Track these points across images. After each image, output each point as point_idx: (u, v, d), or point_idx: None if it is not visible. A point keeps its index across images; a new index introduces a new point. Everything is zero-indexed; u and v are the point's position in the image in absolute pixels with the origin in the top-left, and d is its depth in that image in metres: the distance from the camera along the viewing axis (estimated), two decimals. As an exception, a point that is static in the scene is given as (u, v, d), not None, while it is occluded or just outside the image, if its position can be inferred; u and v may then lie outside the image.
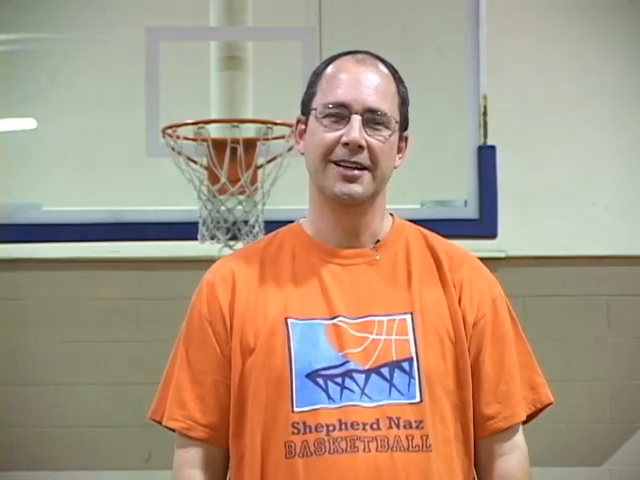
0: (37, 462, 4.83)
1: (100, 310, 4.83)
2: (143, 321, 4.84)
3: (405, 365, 1.78)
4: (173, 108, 4.15)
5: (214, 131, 3.96)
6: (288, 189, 3.72)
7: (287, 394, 1.77)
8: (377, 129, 1.81)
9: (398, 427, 1.75)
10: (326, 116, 1.82)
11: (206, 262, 2.05)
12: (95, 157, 4.72)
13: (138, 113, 4.10)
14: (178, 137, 3.90)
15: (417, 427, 1.76)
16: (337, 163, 1.81)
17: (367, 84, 1.81)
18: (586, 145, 4.92)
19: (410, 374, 1.78)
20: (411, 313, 1.81)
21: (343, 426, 1.75)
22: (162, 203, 4.43)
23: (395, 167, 1.87)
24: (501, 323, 1.87)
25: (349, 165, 1.80)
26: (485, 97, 4.18)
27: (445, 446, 1.79)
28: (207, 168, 3.94)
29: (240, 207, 3.95)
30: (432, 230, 1.95)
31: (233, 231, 3.96)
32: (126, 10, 4.64)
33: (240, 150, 3.85)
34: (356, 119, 1.79)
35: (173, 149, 3.90)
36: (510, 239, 4.70)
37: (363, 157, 1.80)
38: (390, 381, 1.77)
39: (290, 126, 3.58)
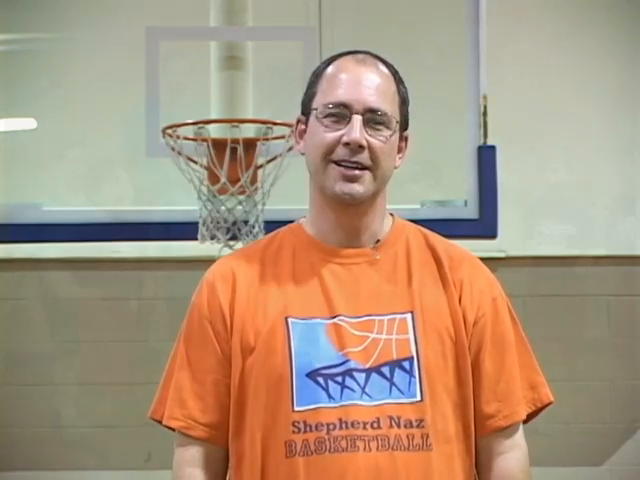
0: (37, 462, 4.83)
1: (100, 310, 4.83)
2: (143, 321, 4.84)
3: (405, 364, 1.79)
4: (173, 108, 4.15)
5: (214, 131, 3.96)
6: (288, 189, 3.72)
7: (287, 393, 1.77)
8: (378, 129, 1.81)
9: (399, 426, 1.76)
10: (327, 116, 1.82)
11: (206, 262, 2.05)
12: (95, 157, 4.72)
13: (138, 113, 4.10)
14: (178, 137, 3.90)
15: (418, 426, 1.77)
16: (338, 163, 1.81)
17: (367, 84, 1.82)
18: (586, 145, 4.92)
19: (410, 373, 1.78)
20: (411, 312, 1.82)
21: (343, 425, 1.75)
22: (162, 203, 4.43)
23: (395, 167, 1.87)
24: (501, 322, 1.87)
25: (350, 165, 1.80)
26: (485, 97, 4.18)
27: (446, 445, 1.79)
28: (207, 168, 3.94)
29: (240, 207, 3.95)
30: (432, 230, 1.95)
31: (233, 231, 3.95)
32: (126, 10, 4.64)
33: (240, 150, 3.85)
34: (357, 119, 1.80)
35: (173, 149, 3.90)
36: (510, 239, 4.71)
37: (364, 157, 1.80)
38: (390, 380, 1.78)
39: (290, 126, 3.58)
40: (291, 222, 1.95)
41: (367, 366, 1.78)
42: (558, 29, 4.92)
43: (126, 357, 4.83)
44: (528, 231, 4.89)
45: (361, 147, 1.80)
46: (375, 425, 1.75)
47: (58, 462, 4.82)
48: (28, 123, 4.77)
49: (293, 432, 1.76)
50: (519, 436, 1.86)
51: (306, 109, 1.87)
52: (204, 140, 3.90)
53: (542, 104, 4.89)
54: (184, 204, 4.13)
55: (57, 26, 4.76)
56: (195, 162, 3.95)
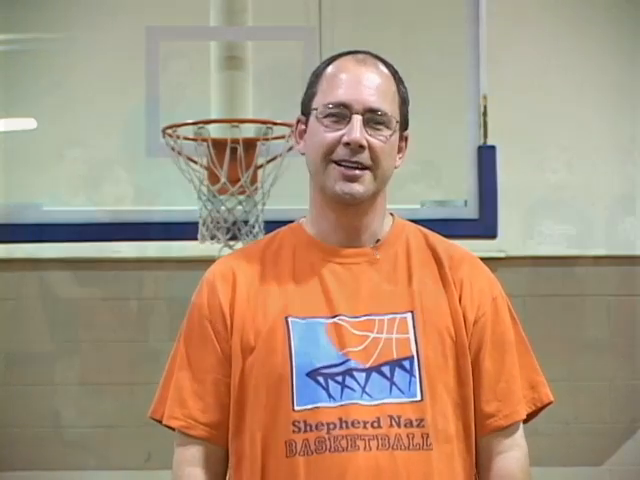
0: (37, 462, 4.82)
1: (100, 310, 4.83)
2: (143, 321, 4.84)
3: (406, 363, 1.79)
4: (173, 108, 4.15)
5: (214, 131, 3.96)
6: (288, 189, 3.72)
7: (288, 392, 1.77)
8: (378, 129, 1.81)
9: (399, 425, 1.76)
10: (327, 116, 1.82)
11: (206, 262, 2.05)
12: (95, 157, 4.72)
13: (138, 113, 4.10)
14: (178, 137, 3.90)
15: (418, 425, 1.77)
16: (338, 163, 1.81)
17: (368, 84, 1.82)
18: (586, 145, 4.92)
19: (411, 372, 1.78)
20: (412, 312, 1.82)
21: (344, 424, 1.75)
22: (162, 203, 4.43)
23: (396, 167, 1.87)
24: (501, 321, 1.87)
25: (350, 165, 1.80)
26: (485, 97, 4.18)
27: (446, 444, 1.79)
28: (207, 168, 3.94)
29: (240, 207, 3.96)
30: (432, 230, 1.95)
31: (233, 231, 3.96)
32: (126, 10, 4.64)
33: (240, 150, 3.85)
34: (357, 119, 1.80)
35: (173, 149, 3.90)
36: (510, 239, 4.71)
37: (364, 157, 1.81)
38: (391, 379, 1.78)
39: (290, 126, 3.58)
40: (291, 222, 1.95)
41: (367, 365, 1.78)
42: (558, 29, 4.92)
43: (126, 357, 4.83)
44: (528, 231, 4.89)
45: (361, 147, 1.80)
46: (375, 424, 1.75)
47: (58, 462, 4.82)
48: (28, 123, 4.77)
49: (293, 432, 1.76)
50: (519, 436, 1.86)
51: (306, 109, 1.87)
52: (204, 140, 3.90)
53: (542, 104, 4.89)
54: (184, 204, 4.13)
55: (57, 26, 4.77)
56: (195, 162, 3.95)
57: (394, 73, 1.87)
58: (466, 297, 1.84)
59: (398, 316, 1.81)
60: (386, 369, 1.78)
